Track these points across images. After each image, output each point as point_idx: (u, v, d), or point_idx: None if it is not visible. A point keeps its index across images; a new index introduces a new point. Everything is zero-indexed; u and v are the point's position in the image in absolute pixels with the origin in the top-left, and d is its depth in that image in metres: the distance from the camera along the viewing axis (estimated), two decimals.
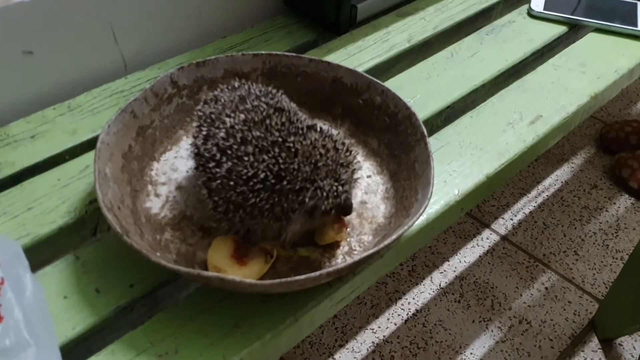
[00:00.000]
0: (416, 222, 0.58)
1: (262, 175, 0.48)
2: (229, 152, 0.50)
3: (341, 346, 1.16)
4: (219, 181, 0.50)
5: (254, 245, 0.53)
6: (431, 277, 1.30)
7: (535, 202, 1.49)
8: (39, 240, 0.55)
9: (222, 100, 0.53)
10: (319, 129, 0.51)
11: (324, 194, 0.49)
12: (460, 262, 1.34)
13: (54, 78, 0.72)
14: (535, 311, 1.24)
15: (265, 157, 0.49)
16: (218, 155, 0.50)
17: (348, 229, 0.56)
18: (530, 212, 1.46)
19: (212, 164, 0.50)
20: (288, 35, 0.84)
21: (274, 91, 0.55)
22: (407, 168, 0.59)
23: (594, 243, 1.39)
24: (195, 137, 0.53)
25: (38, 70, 0.70)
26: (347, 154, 0.51)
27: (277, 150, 0.49)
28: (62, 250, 0.55)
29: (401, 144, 0.60)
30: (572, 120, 0.73)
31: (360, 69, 0.75)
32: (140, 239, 0.51)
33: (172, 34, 0.81)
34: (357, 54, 0.80)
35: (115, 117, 0.57)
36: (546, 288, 1.29)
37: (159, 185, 0.60)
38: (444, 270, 1.32)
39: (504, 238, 1.39)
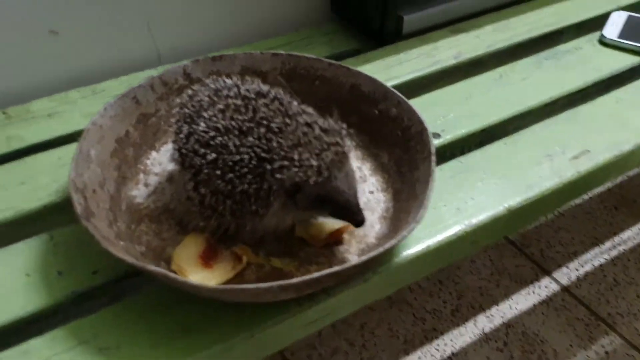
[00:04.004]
0: (415, 250, 0.52)
1: (246, 158, 0.46)
2: (212, 143, 0.47)
3: None
4: (205, 171, 0.47)
5: (230, 246, 0.50)
6: (475, 320, 1.20)
7: (609, 255, 1.34)
8: (21, 216, 0.54)
9: (199, 97, 0.51)
10: (310, 112, 0.49)
11: (304, 171, 0.45)
12: (510, 308, 1.22)
13: (81, 61, 0.73)
14: None
15: (251, 138, 0.46)
16: (202, 150, 0.48)
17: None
18: (600, 264, 1.32)
19: (197, 160, 0.48)
20: (330, 42, 0.80)
21: (256, 80, 0.52)
22: (408, 187, 0.53)
23: None
24: (175, 140, 0.51)
25: (65, 51, 0.71)
26: (338, 138, 0.47)
27: (262, 130, 0.46)
28: (44, 228, 0.54)
29: (409, 160, 0.55)
30: (628, 160, 0.64)
31: (394, 82, 0.71)
32: (109, 226, 0.49)
33: (212, 32, 0.81)
34: (397, 66, 0.75)
35: (114, 101, 0.56)
36: (606, 352, 1.16)
37: (151, 175, 0.58)
38: (491, 315, 1.21)
39: (565, 289, 1.27)
